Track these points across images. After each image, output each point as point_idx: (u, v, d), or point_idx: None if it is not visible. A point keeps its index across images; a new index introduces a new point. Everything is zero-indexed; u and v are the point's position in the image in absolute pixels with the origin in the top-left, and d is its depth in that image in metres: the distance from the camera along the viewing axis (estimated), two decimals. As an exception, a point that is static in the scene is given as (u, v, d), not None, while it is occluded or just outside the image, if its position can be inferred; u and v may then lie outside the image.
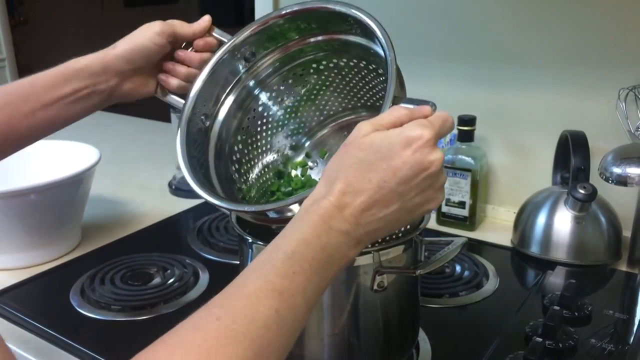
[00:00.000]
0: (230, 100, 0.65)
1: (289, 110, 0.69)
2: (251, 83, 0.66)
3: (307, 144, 0.71)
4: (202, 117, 0.62)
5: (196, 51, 0.64)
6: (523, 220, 0.86)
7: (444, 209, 0.95)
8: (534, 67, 0.91)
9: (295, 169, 0.71)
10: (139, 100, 0.67)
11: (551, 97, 0.91)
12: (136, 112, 1.72)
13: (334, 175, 0.42)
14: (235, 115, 0.66)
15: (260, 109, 0.68)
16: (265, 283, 0.38)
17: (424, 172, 0.41)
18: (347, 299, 0.55)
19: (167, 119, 1.14)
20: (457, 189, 0.93)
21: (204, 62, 0.62)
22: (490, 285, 0.76)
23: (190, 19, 0.66)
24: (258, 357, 0.35)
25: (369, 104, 0.67)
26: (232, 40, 0.62)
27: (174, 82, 0.64)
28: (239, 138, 0.67)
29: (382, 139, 0.41)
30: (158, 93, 0.66)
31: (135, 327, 0.70)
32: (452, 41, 0.98)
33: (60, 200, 0.84)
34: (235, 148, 0.66)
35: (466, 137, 0.93)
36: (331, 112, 0.70)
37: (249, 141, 0.68)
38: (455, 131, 0.94)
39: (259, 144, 0.69)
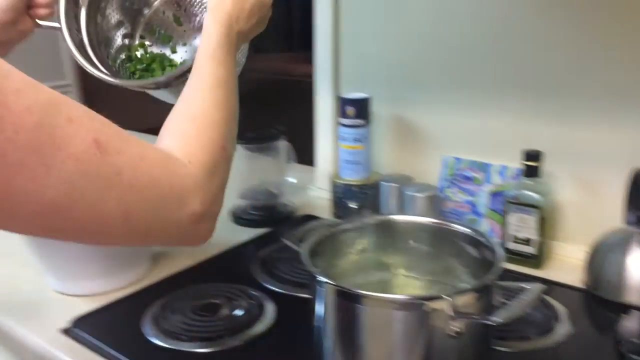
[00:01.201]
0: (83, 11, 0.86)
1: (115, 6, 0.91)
2: None
3: (138, 30, 0.94)
4: (75, 31, 0.83)
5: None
6: (595, 261, 0.83)
7: (510, 245, 0.94)
8: (601, 98, 0.89)
9: (137, 51, 0.94)
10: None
11: (621, 129, 0.89)
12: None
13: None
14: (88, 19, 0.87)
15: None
16: (212, 68, 0.61)
17: None
18: (420, 344, 0.55)
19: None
20: (524, 226, 0.92)
21: None
22: (562, 328, 0.74)
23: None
24: (223, 107, 0.58)
25: None
26: None
27: (41, 11, 0.77)
28: (92, 36, 0.87)
29: None
30: (36, 26, 0.79)
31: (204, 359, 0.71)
32: (508, 70, 0.97)
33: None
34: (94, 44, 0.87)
35: (532, 172, 0.91)
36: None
37: (98, 38, 0.88)
38: (520, 166, 0.93)
39: (101, 38, 0.89)
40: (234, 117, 0.60)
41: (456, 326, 0.53)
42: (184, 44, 0.95)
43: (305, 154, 1.30)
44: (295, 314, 0.83)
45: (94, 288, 0.87)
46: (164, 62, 0.93)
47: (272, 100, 3.95)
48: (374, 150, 1.14)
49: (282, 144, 1.16)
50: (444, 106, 1.07)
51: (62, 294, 0.88)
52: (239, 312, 0.80)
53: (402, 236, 0.69)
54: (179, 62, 0.93)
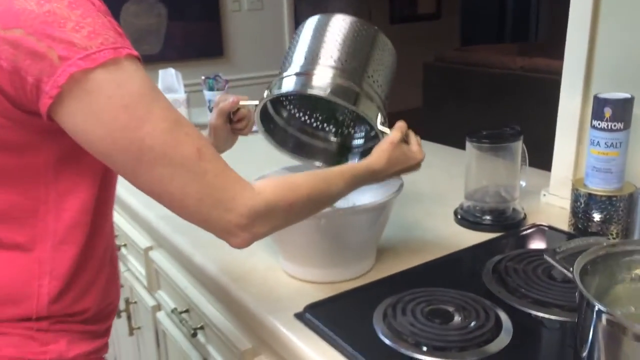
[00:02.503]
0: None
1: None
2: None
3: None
4: (272, 127, 0.99)
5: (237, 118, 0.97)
6: None
7: None
8: None
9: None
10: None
11: None
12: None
13: (378, 154, 0.83)
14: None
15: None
16: (338, 177, 0.78)
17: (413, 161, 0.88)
18: None
19: (459, 145, 1.11)
20: None
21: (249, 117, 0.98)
22: None
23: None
24: (313, 194, 0.74)
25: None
26: (259, 103, 0.91)
27: (244, 132, 0.99)
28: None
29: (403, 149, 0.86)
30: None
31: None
32: None
33: (368, 223, 0.86)
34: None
35: None
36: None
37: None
38: None
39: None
40: (310, 204, 0.74)
41: None
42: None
43: (532, 156, 1.19)
44: (534, 335, 0.75)
45: (323, 276, 0.88)
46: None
47: (489, 94, 3.78)
48: (630, 159, 0.99)
49: (517, 145, 1.07)
50: None
51: (293, 277, 0.91)
52: (472, 324, 0.74)
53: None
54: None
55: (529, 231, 1.04)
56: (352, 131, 1.02)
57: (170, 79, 1.94)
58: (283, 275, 0.92)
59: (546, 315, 0.77)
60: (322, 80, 0.83)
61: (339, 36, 0.86)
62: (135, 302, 1.40)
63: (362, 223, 0.86)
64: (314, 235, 0.85)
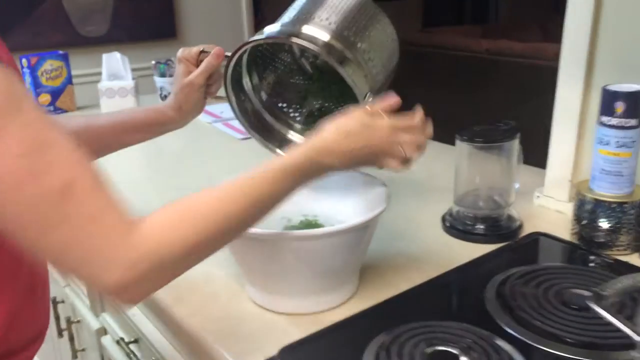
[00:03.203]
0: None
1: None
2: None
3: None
4: (242, 97, 0.89)
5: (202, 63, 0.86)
6: None
7: None
8: None
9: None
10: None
11: None
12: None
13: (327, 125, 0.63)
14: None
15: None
16: (265, 181, 0.59)
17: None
18: None
19: (448, 141, 0.98)
20: None
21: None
22: None
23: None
24: (232, 220, 0.57)
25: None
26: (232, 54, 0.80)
27: (211, 89, 0.89)
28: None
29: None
30: (208, 100, 0.91)
31: None
32: None
33: (351, 244, 0.72)
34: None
35: None
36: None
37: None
38: None
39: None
40: (227, 230, 0.57)
41: None
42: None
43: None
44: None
45: (299, 307, 0.74)
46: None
47: (455, 78, 3.67)
48: (642, 160, 0.88)
49: (513, 144, 0.94)
50: None
51: (262, 307, 0.76)
52: (483, 371, 0.61)
53: None
54: None
55: (527, 242, 0.92)
56: None
57: (115, 64, 1.75)
58: (250, 304, 0.77)
59: (566, 355, 0.65)
60: (312, 34, 0.74)
61: (340, 3, 0.77)
62: (79, 321, 1.23)
63: (344, 245, 0.72)
64: (287, 262, 0.70)
